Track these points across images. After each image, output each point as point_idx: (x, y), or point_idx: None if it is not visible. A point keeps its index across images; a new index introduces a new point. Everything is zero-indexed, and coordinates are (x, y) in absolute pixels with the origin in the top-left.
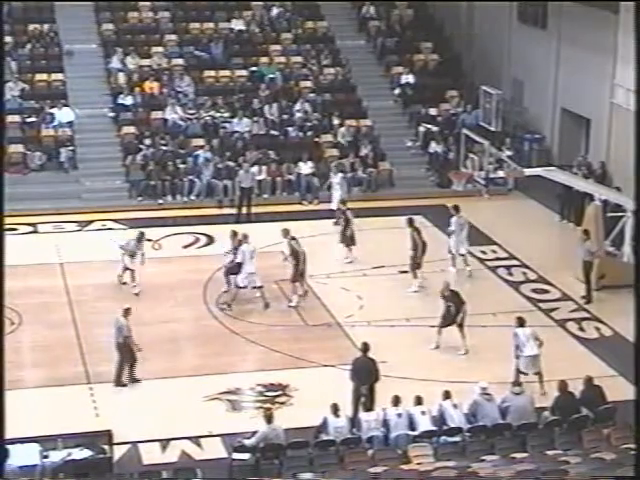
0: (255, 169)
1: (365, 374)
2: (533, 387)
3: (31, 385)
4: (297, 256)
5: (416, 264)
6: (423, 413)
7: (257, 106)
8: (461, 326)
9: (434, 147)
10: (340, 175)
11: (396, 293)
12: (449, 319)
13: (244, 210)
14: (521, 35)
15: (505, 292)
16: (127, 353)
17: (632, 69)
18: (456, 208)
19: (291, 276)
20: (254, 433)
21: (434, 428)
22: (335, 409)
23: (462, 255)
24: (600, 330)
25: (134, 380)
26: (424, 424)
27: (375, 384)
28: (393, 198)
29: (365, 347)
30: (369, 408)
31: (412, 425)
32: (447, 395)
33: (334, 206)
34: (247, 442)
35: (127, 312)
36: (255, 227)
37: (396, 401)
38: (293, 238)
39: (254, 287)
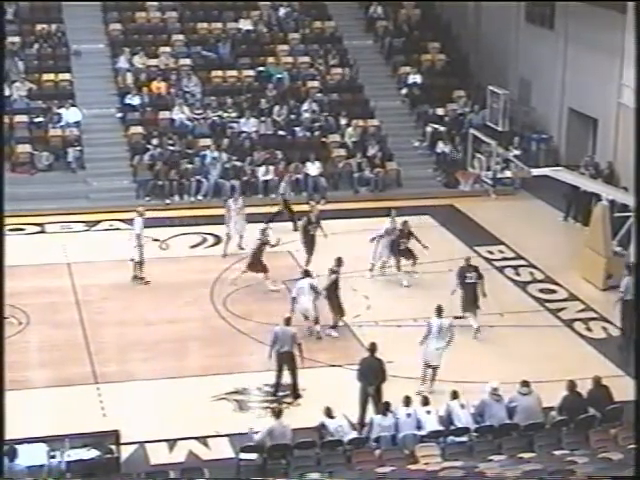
0: (263, 169)
1: (372, 374)
2: (541, 387)
3: (38, 385)
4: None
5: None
6: (428, 413)
7: (264, 106)
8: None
9: (441, 147)
10: (241, 201)
11: (403, 293)
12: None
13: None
14: (528, 35)
15: (512, 292)
16: (294, 362)
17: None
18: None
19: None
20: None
21: (441, 428)
22: (328, 412)
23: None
24: (607, 330)
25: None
26: (430, 424)
27: (382, 384)
28: (400, 198)
29: (372, 347)
30: (379, 409)
31: (419, 425)
32: (455, 395)
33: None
34: (255, 437)
35: (288, 321)
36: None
37: (407, 401)
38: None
39: None
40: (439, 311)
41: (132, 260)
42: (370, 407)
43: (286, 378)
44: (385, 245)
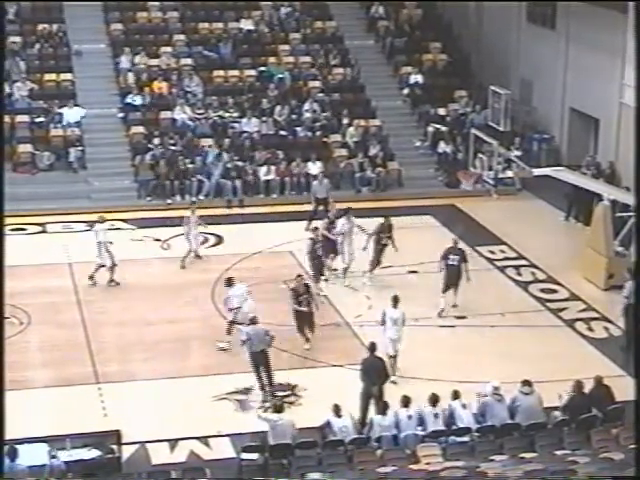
0: (264, 169)
1: (374, 374)
2: (543, 387)
3: (40, 385)
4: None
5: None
6: (436, 416)
7: (266, 106)
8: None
9: (443, 147)
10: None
11: (405, 293)
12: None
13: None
14: (530, 35)
15: (514, 292)
16: (268, 361)
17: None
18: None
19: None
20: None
21: (443, 428)
22: (337, 410)
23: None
24: (609, 330)
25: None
26: (435, 424)
27: (384, 384)
28: (401, 198)
29: (372, 347)
30: (381, 409)
31: (423, 424)
32: (456, 395)
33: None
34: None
35: (254, 320)
36: (264, 227)
37: (406, 402)
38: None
39: None
40: (395, 301)
41: (103, 266)
42: (372, 407)
43: (287, 377)
44: (348, 244)
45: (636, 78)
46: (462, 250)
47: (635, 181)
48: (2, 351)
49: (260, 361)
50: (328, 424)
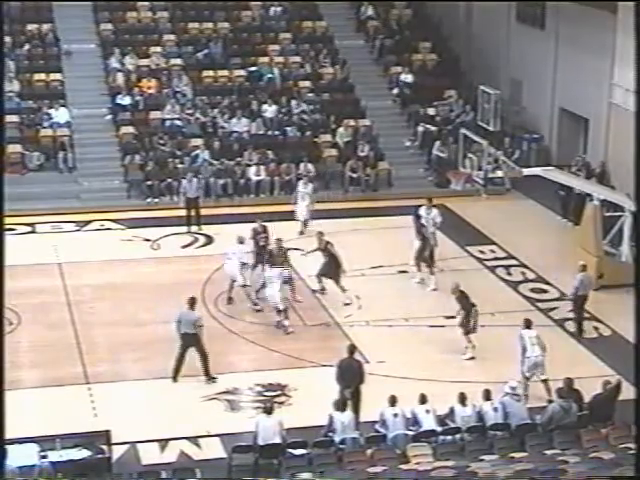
0: (254, 169)
1: (350, 376)
2: (533, 386)
3: (29, 385)
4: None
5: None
6: (427, 412)
7: (255, 106)
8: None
9: (436, 152)
10: None
11: (395, 293)
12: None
13: (194, 218)
14: (519, 35)
15: (504, 292)
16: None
17: (630, 69)
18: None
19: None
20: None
21: (439, 428)
22: (343, 405)
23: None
24: (599, 330)
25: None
26: (428, 423)
27: (360, 386)
28: (391, 198)
29: (352, 349)
30: (357, 411)
31: (416, 424)
32: (462, 397)
33: None
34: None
35: (191, 304)
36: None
37: (393, 401)
38: (328, 242)
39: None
40: (527, 323)
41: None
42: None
43: (277, 377)
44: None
45: (636, 80)
46: (465, 296)
47: (635, 182)
48: (2, 351)
49: (187, 343)
50: (331, 421)
